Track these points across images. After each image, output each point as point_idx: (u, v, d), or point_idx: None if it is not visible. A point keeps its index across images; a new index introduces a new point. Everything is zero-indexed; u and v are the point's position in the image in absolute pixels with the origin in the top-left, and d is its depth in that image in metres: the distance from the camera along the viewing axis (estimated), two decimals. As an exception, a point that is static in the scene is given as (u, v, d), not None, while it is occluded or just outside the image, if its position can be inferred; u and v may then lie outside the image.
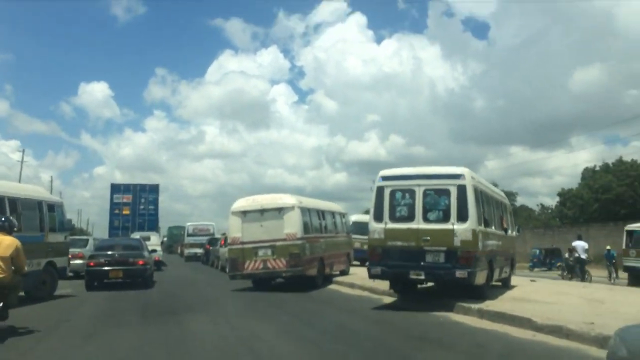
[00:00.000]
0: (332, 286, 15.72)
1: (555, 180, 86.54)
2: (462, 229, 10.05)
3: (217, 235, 34.37)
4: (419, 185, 10.58)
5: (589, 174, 54.40)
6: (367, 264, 11.21)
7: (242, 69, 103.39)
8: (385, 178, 11.00)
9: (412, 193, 10.59)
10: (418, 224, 10.38)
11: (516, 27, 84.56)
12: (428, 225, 10.32)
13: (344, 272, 18.15)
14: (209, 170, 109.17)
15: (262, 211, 14.66)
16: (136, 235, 27.38)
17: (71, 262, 16.05)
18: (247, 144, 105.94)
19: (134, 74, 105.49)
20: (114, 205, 36.11)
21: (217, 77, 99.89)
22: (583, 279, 21.98)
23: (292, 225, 14.43)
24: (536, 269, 34.08)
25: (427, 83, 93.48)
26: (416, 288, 12.01)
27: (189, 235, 36.59)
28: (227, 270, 15.68)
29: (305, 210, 15.22)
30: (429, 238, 10.20)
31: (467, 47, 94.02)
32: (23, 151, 52.25)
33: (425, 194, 10.50)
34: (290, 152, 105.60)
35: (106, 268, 15.41)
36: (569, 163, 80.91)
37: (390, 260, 10.54)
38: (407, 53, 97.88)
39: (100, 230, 51.09)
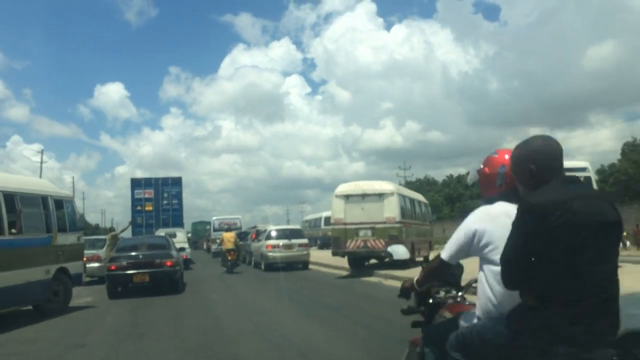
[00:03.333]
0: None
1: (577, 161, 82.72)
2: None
3: (246, 229, 32.33)
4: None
5: (629, 149, 50.80)
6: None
7: (254, 63, 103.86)
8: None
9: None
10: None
11: (528, 7, 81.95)
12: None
13: (426, 259, 17.29)
14: (227, 165, 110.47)
15: (364, 195, 16.40)
16: (161, 232, 25.22)
17: (87, 265, 13.83)
18: (263, 137, 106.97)
19: (149, 74, 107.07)
20: (135, 201, 33.93)
21: (229, 73, 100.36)
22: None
23: (391, 210, 16.10)
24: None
25: (439, 67, 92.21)
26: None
27: (215, 230, 34.65)
28: (331, 247, 17.48)
29: (401, 197, 16.86)
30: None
31: (478, 29, 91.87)
32: (42, 152, 50.60)
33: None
34: (307, 143, 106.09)
35: (130, 272, 13.16)
36: (590, 142, 77.31)
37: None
38: (418, 38, 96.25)
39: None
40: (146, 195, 33.83)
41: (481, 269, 2.54)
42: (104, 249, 17.40)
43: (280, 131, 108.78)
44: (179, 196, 34.78)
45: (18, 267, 9.47)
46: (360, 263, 17.07)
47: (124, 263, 13.22)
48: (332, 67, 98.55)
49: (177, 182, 35.48)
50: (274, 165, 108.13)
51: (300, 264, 20.46)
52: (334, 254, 16.83)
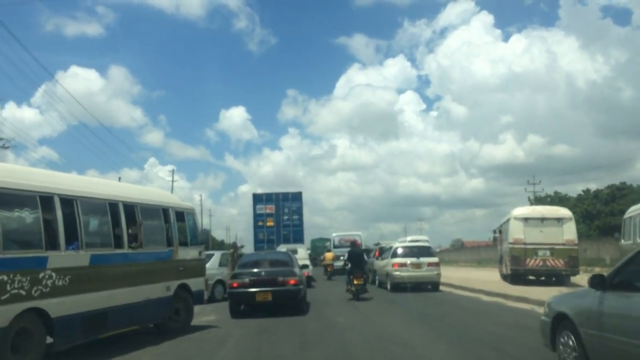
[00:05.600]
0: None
1: None
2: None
3: (369, 246, 30.94)
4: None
5: None
6: None
7: (368, 82, 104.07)
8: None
9: None
10: None
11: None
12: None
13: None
14: (343, 182, 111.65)
15: (542, 219, 18.17)
16: (282, 248, 24.62)
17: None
18: (377, 154, 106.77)
19: (268, 98, 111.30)
20: (257, 217, 33.92)
21: (344, 92, 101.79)
22: None
23: (571, 233, 18.13)
24: None
25: (564, 77, 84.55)
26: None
27: (335, 246, 33.56)
28: (509, 265, 18.51)
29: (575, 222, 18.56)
30: None
31: (607, 35, 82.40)
32: (173, 171, 53.72)
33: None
34: (422, 160, 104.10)
35: (252, 290, 12.32)
36: None
37: None
38: (539, 48, 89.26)
39: (247, 245, 51.25)
40: (267, 211, 33.68)
41: None
42: (227, 265, 16.92)
43: (395, 148, 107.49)
44: (299, 211, 34.26)
45: (138, 283, 8.89)
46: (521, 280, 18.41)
47: (246, 280, 12.42)
48: (447, 83, 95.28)
49: (297, 197, 35.04)
50: (390, 183, 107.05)
51: (429, 285, 18.65)
52: (514, 272, 18.23)
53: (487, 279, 22.07)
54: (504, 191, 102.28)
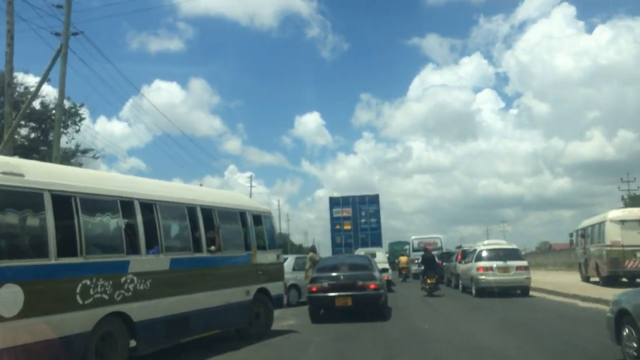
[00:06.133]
0: None
1: None
2: None
3: (450, 249, 29.87)
4: None
5: None
6: None
7: (443, 82, 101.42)
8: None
9: None
10: None
11: None
12: None
13: None
14: (419, 185, 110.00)
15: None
16: (360, 251, 24.18)
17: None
18: (455, 156, 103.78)
19: (341, 103, 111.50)
20: (334, 220, 33.67)
21: (418, 94, 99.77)
22: None
23: None
24: None
25: None
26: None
27: (414, 250, 32.68)
28: (607, 267, 18.19)
29: None
30: None
31: None
32: (251, 177, 55.33)
33: None
34: (502, 160, 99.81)
35: (331, 294, 11.99)
36: None
37: None
38: (627, 39, 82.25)
39: (325, 249, 51.50)
40: (344, 214, 33.34)
41: None
42: (303, 269, 16.75)
43: (473, 149, 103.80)
44: (377, 214, 33.65)
45: (218, 287, 8.79)
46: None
47: (325, 285, 12.11)
48: (527, 79, 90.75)
49: (374, 199, 34.45)
50: (468, 184, 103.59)
51: (518, 290, 17.54)
52: (612, 274, 18.02)
53: (569, 282, 20.92)
54: (593, 191, 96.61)
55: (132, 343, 6.99)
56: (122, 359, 6.79)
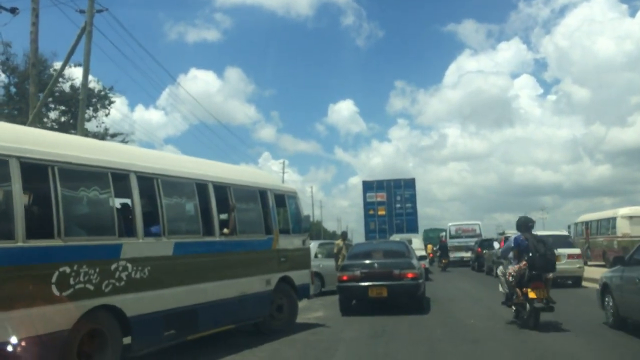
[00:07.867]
0: None
1: None
2: None
3: (489, 237, 28.27)
4: None
5: None
6: None
7: (479, 68, 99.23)
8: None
9: None
10: None
11: None
12: None
13: None
14: (455, 172, 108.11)
15: None
16: (396, 238, 22.83)
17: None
18: (491, 143, 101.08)
19: (376, 90, 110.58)
20: (367, 205, 32.25)
21: (453, 81, 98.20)
22: None
23: None
24: None
25: None
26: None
27: (451, 237, 31.24)
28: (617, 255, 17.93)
29: None
30: None
31: None
32: (283, 163, 54.57)
33: None
34: (540, 147, 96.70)
35: (364, 283, 10.77)
36: None
37: None
38: None
39: (358, 236, 50.26)
40: (378, 199, 31.89)
41: None
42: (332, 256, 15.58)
43: (510, 136, 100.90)
44: (412, 199, 32.07)
45: (232, 276, 7.65)
46: None
47: (358, 273, 10.89)
48: (566, 64, 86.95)
49: (410, 184, 32.87)
50: (505, 172, 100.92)
51: (569, 280, 15.96)
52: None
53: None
54: (636, 177, 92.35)
55: (129, 341, 5.93)
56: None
